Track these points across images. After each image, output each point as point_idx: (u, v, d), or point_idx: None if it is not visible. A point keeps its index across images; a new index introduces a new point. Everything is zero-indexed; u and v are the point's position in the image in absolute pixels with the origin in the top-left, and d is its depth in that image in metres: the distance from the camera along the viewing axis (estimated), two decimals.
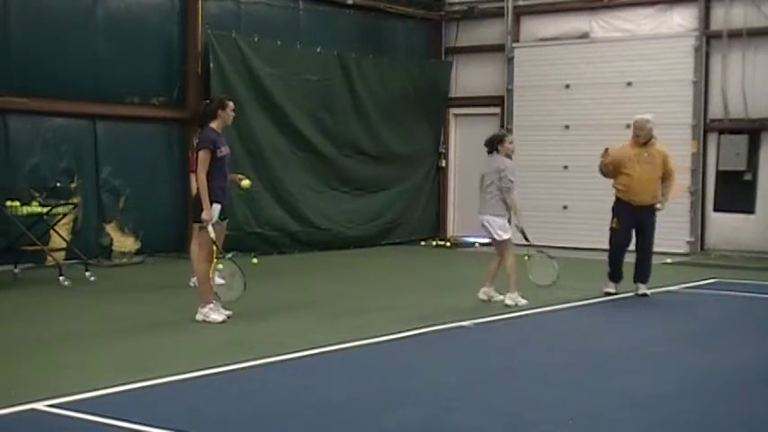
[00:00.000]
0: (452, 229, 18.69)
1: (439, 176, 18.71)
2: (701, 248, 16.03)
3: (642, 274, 11.22)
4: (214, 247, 9.01)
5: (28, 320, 9.30)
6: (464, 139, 18.49)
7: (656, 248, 11.39)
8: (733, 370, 7.45)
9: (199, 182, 8.96)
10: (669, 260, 14.54)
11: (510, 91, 17.76)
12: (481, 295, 10.57)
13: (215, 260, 9.06)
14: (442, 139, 18.68)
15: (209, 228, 8.95)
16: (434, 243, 17.69)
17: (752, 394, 6.74)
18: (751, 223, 15.70)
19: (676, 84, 16.10)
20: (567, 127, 17.07)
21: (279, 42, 15.45)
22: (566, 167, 16.80)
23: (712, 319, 10.25)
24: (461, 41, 18.54)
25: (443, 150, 18.67)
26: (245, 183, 10.09)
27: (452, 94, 18.67)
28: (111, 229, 13.61)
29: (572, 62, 17.04)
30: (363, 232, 16.98)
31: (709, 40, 16.02)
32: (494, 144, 10.55)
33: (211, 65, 14.37)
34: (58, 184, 12.63)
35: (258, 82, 15.10)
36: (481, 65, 18.32)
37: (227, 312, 9.10)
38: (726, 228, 15.91)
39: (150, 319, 9.33)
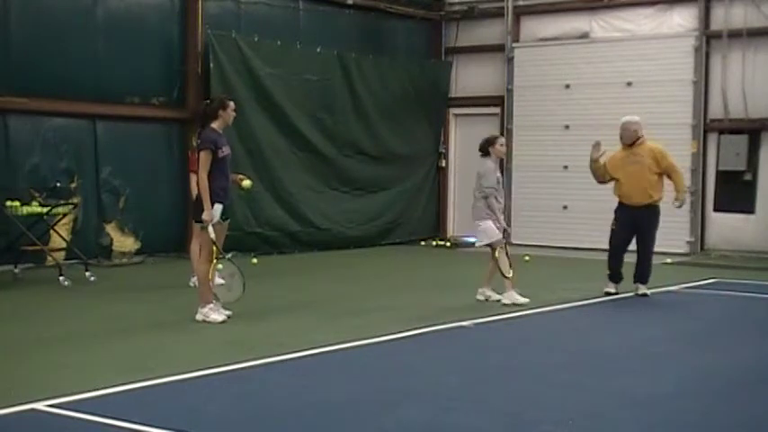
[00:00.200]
0: (452, 229, 18.69)
1: (439, 176, 18.72)
2: (701, 248, 16.04)
3: (642, 274, 11.22)
4: (214, 248, 9.01)
5: (28, 320, 9.30)
6: (464, 139, 18.48)
7: (656, 248, 11.37)
8: (733, 370, 7.45)
9: (200, 182, 8.96)
10: (669, 260, 14.53)
11: (510, 91, 17.76)
12: (478, 296, 10.57)
13: (215, 260, 9.07)
14: (442, 139, 18.69)
15: (210, 228, 8.95)
16: (434, 243, 17.69)
17: (752, 394, 6.74)
18: (751, 223, 15.70)
19: (676, 84, 16.10)
20: (567, 127, 17.08)
21: (279, 42, 15.46)
22: (566, 167, 16.80)
23: (712, 319, 10.25)
24: (461, 41, 18.54)
25: (443, 150, 18.68)
26: (246, 183, 10.08)
27: (452, 94, 18.67)
28: (111, 229, 13.61)
29: (572, 62, 17.05)
30: (363, 232, 16.98)
31: (709, 40, 16.02)
32: (486, 147, 10.57)
33: (211, 65, 14.37)
34: (58, 184, 12.63)
35: (258, 82, 15.10)
36: (481, 65, 18.32)
37: (227, 312, 9.10)
38: (726, 228, 15.91)
39: (150, 319, 9.33)
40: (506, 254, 10.52)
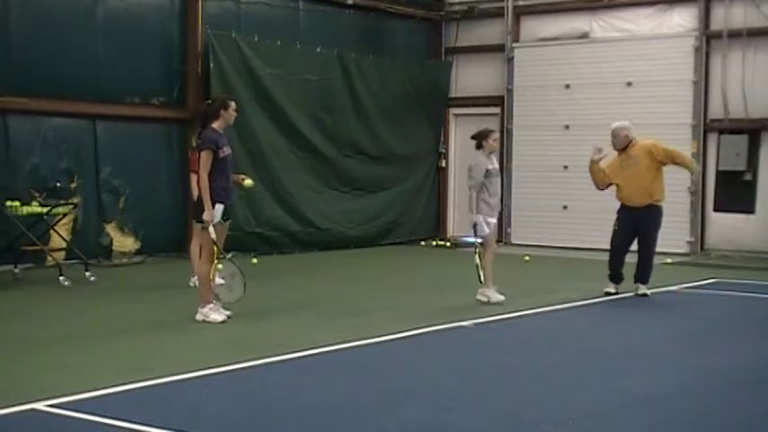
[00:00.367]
0: (452, 229, 18.68)
1: (439, 176, 18.72)
2: (701, 248, 16.04)
3: (643, 274, 11.23)
4: (215, 248, 9.01)
5: (28, 320, 9.30)
6: (464, 139, 18.35)
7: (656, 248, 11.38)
8: (733, 370, 7.45)
9: (201, 182, 8.96)
10: (669, 260, 14.53)
11: (510, 91, 17.76)
12: (479, 296, 10.56)
13: (216, 260, 9.07)
14: (442, 139, 18.69)
15: (210, 228, 8.95)
16: (434, 243, 17.69)
17: (752, 394, 6.74)
18: (751, 223, 15.70)
19: (676, 84, 16.10)
20: (567, 127, 17.08)
21: (279, 42, 15.46)
22: (566, 167, 16.80)
23: (712, 319, 10.25)
24: (461, 41, 18.54)
25: (443, 150, 18.67)
26: (248, 182, 10.08)
27: (452, 94, 18.67)
28: (111, 229, 13.61)
29: (572, 62, 17.05)
30: (363, 232, 16.98)
31: (709, 40, 16.02)
32: (479, 139, 10.57)
33: (211, 65, 14.37)
34: (58, 184, 12.63)
35: (258, 82, 15.10)
36: (481, 65, 18.32)
37: (227, 312, 9.10)
38: (726, 228, 15.91)
39: (150, 319, 9.33)
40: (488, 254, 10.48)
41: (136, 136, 14.08)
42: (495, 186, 10.51)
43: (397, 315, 9.68)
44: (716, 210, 16.00)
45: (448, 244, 17.56)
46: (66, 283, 11.28)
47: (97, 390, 6.31)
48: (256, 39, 15.10)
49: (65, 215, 12.32)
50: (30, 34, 12.65)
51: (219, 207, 9.02)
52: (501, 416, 5.99)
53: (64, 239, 12.26)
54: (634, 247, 11.27)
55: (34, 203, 11.95)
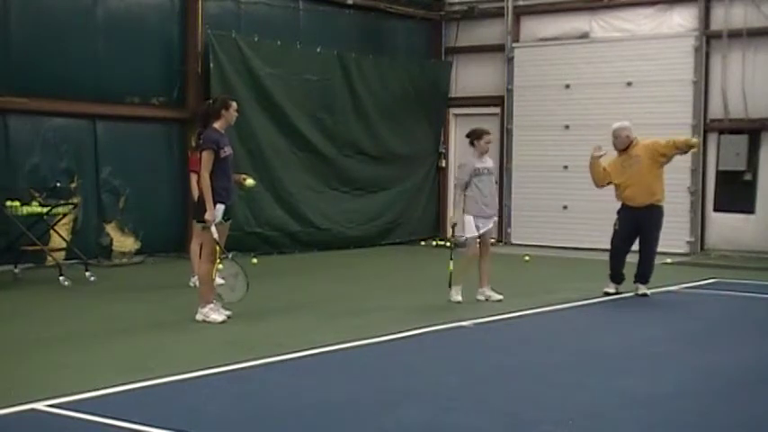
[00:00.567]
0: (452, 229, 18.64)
1: (439, 176, 18.72)
2: (701, 248, 16.03)
3: (643, 274, 11.22)
4: (217, 248, 9.01)
5: (28, 320, 9.30)
6: (464, 139, 18.34)
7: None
8: (733, 370, 7.45)
9: (202, 182, 8.95)
10: (669, 260, 14.52)
11: (510, 91, 17.76)
12: (478, 296, 10.58)
13: (217, 260, 9.07)
14: (442, 139, 18.69)
15: (212, 228, 8.95)
16: (434, 243, 17.68)
17: (752, 394, 6.74)
18: (751, 223, 15.70)
19: (676, 84, 16.10)
20: (567, 127, 17.08)
21: (279, 42, 15.46)
22: (566, 167, 16.80)
23: (712, 319, 10.25)
24: (461, 41, 18.54)
25: (443, 150, 18.67)
26: (249, 182, 10.07)
27: (452, 94, 18.67)
28: (111, 229, 13.61)
29: (572, 62, 17.04)
30: (363, 232, 16.98)
31: (709, 40, 16.02)
32: (472, 137, 10.61)
33: (211, 65, 14.37)
34: (58, 184, 12.63)
35: (258, 82, 15.10)
36: (481, 65, 18.32)
37: (227, 312, 9.10)
38: (726, 228, 15.91)
39: (150, 319, 9.33)
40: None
41: (136, 136, 14.08)
42: (485, 185, 10.49)
43: (397, 315, 9.68)
44: (716, 210, 16.01)
45: (448, 244, 17.50)
46: (66, 283, 11.28)
47: (97, 390, 6.31)
48: (256, 39, 15.10)
49: (65, 215, 12.32)
50: (30, 34, 12.65)
51: (221, 207, 9.02)
52: (501, 416, 5.99)
53: (64, 239, 12.26)
54: (635, 247, 11.28)
55: (34, 203, 11.95)
